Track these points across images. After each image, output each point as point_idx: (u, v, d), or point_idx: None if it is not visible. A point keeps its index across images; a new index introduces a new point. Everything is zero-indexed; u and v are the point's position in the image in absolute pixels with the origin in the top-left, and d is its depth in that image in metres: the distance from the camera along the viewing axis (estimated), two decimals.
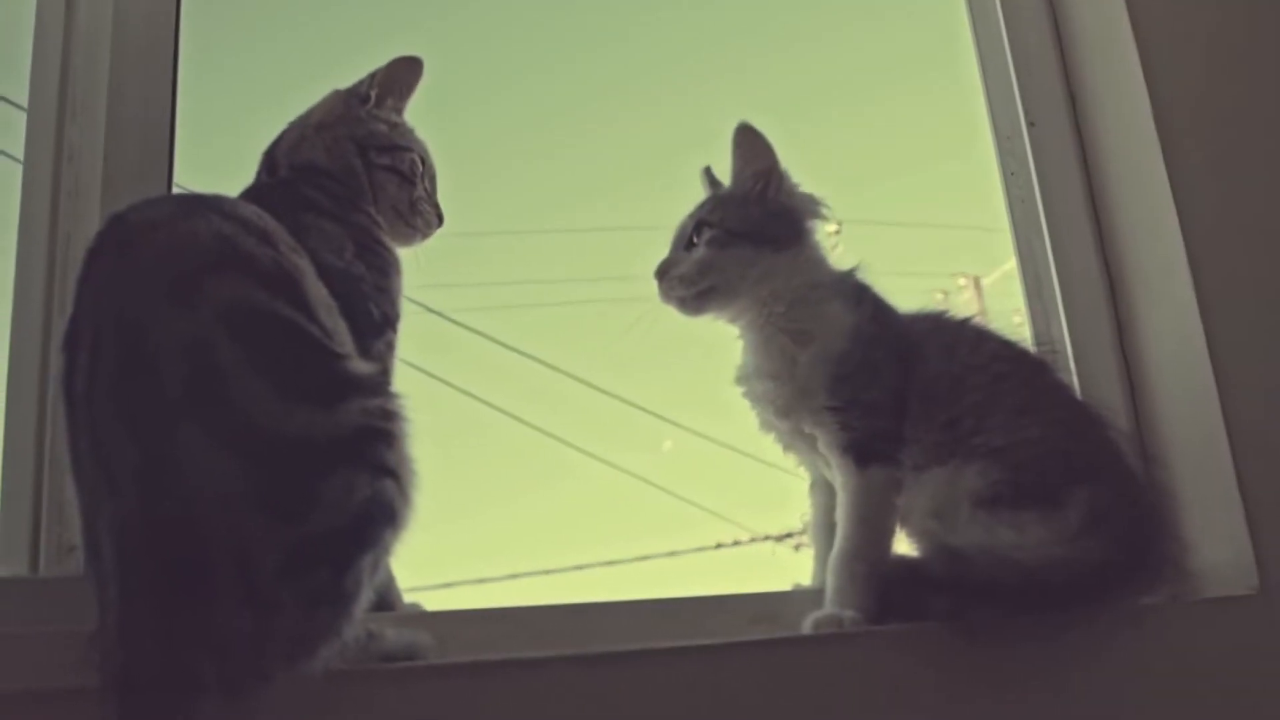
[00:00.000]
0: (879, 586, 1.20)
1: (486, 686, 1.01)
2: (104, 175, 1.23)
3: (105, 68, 1.27)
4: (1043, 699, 1.19)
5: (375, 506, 0.91)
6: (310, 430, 0.90)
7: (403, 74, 1.29)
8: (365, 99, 1.27)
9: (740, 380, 1.36)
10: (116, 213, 1.01)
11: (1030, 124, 1.67)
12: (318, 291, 1.00)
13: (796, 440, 1.34)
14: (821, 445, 1.29)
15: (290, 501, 0.87)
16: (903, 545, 1.28)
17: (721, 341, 1.40)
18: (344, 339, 1.00)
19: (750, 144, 1.38)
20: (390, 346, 1.14)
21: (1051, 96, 1.69)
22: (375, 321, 1.11)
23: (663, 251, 1.39)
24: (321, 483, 0.88)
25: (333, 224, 1.13)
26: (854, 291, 1.35)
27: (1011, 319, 1.62)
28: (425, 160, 1.29)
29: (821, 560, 1.33)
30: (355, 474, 0.90)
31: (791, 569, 1.41)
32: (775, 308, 1.33)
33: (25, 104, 1.28)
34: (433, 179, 1.31)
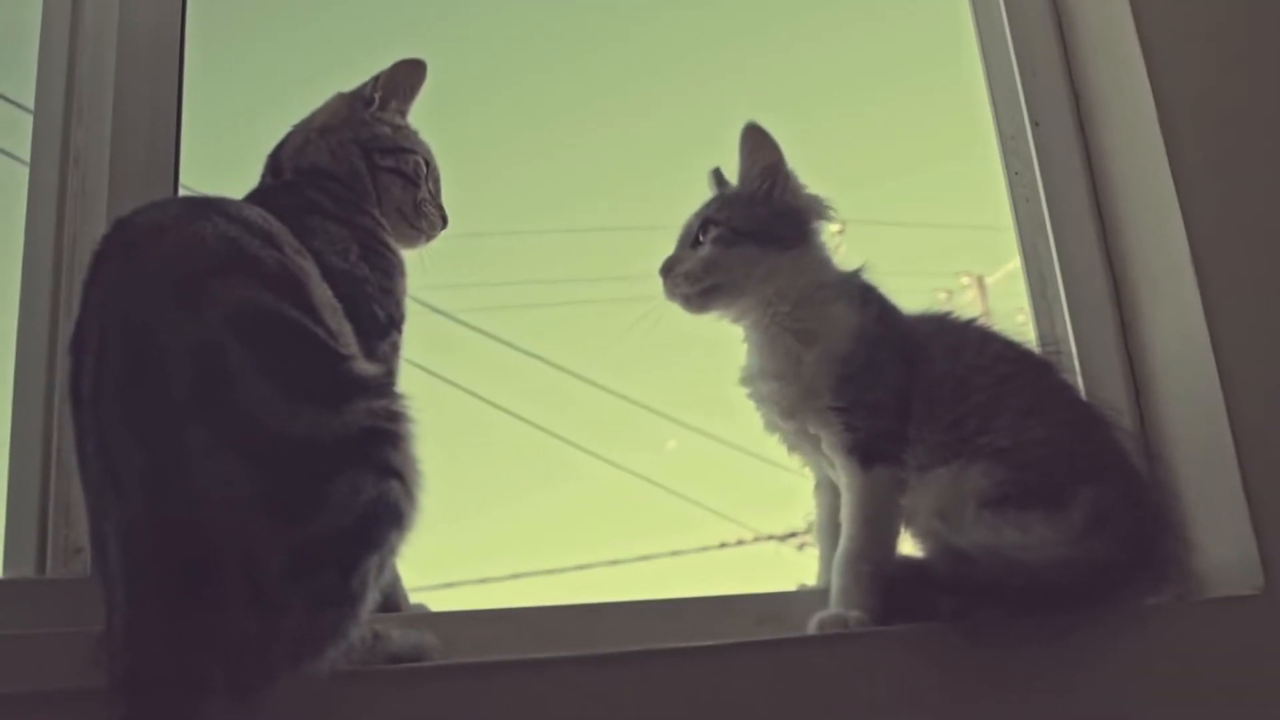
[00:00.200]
0: (884, 587, 1.20)
1: (492, 687, 1.01)
2: (110, 178, 1.24)
3: (111, 71, 1.27)
4: (1047, 699, 1.19)
5: (381, 507, 0.91)
6: (316, 431, 0.90)
7: (406, 77, 1.29)
8: (369, 102, 1.27)
9: (745, 381, 1.37)
10: (122, 216, 1.01)
11: (1034, 124, 1.67)
12: (323, 293, 1.00)
13: (801, 441, 1.34)
14: (825, 446, 1.29)
15: (296, 503, 0.88)
16: (907, 545, 1.28)
17: (725, 341, 1.40)
18: (349, 340, 1.00)
19: (757, 143, 1.38)
20: (395, 348, 1.15)
21: (1056, 97, 1.69)
22: (380, 323, 1.11)
23: (666, 251, 1.39)
24: (327, 484, 0.89)
25: (337, 226, 1.14)
26: (859, 292, 1.35)
27: (1015, 318, 1.62)
28: (429, 162, 1.29)
29: (826, 560, 1.33)
30: (361, 475, 0.90)
31: (795, 569, 1.41)
32: (780, 307, 1.33)
33: (32, 107, 1.28)
34: (436, 181, 1.31)
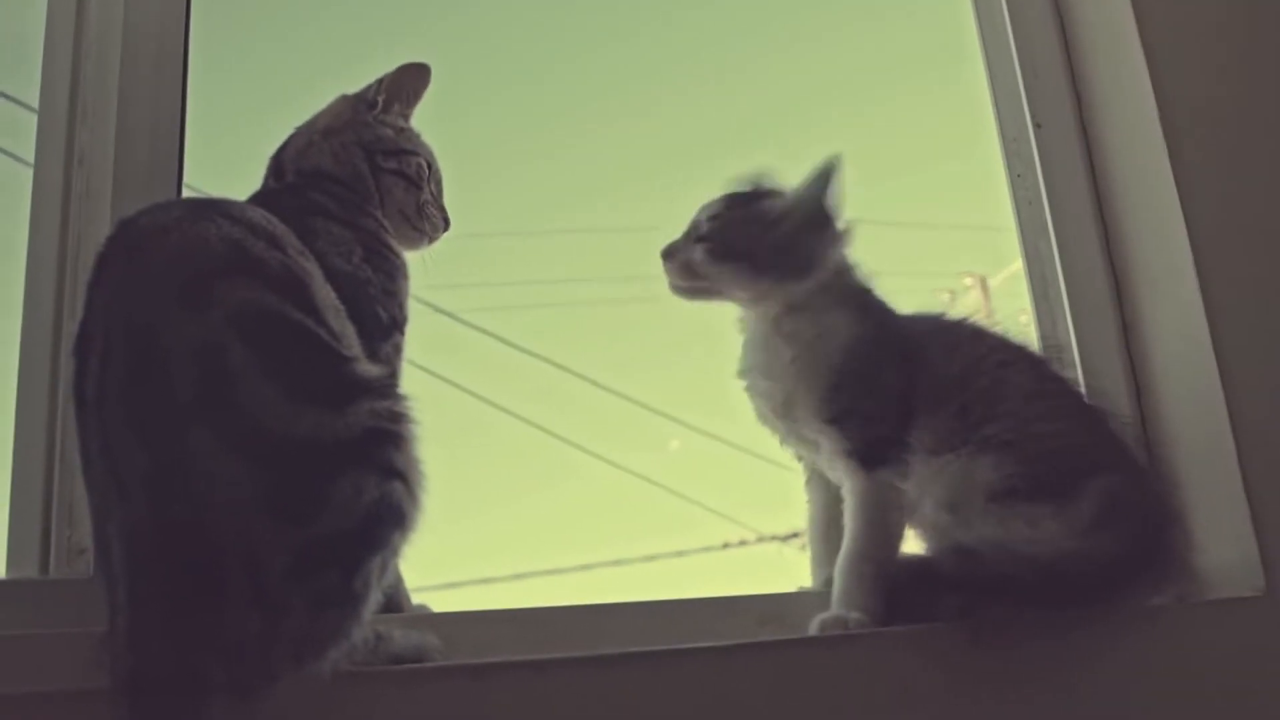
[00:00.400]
0: (886, 588, 1.20)
1: (494, 688, 1.02)
2: (114, 179, 1.24)
3: (115, 72, 1.27)
4: (1049, 700, 1.19)
5: (383, 508, 0.91)
6: (319, 433, 0.90)
7: (410, 80, 1.29)
8: (372, 104, 1.27)
9: (741, 373, 1.37)
10: (126, 218, 1.02)
11: (1037, 126, 1.67)
12: (326, 295, 1.01)
13: (794, 436, 1.34)
14: (824, 451, 1.29)
15: (299, 504, 0.88)
16: (911, 545, 1.28)
17: (728, 341, 1.40)
18: (352, 342, 1.01)
19: (825, 183, 1.34)
20: (398, 349, 1.15)
21: (1058, 98, 1.69)
22: (383, 324, 1.12)
23: None
24: (330, 485, 0.89)
25: (340, 228, 1.14)
26: (859, 303, 1.34)
27: (1018, 319, 1.62)
28: (431, 164, 1.30)
29: (819, 561, 1.33)
30: (364, 476, 0.90)
31: (797, 569, 1.41)
32: (772, 309, 1.33)
33: (36, 107, 1.29)
34: (439, 183, 1.31)
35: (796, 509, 1.42)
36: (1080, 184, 1.66)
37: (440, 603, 1.20)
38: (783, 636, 1.23)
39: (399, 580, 1.14)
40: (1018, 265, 1.69)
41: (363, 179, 1.23)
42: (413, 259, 1.26)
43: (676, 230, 1.40)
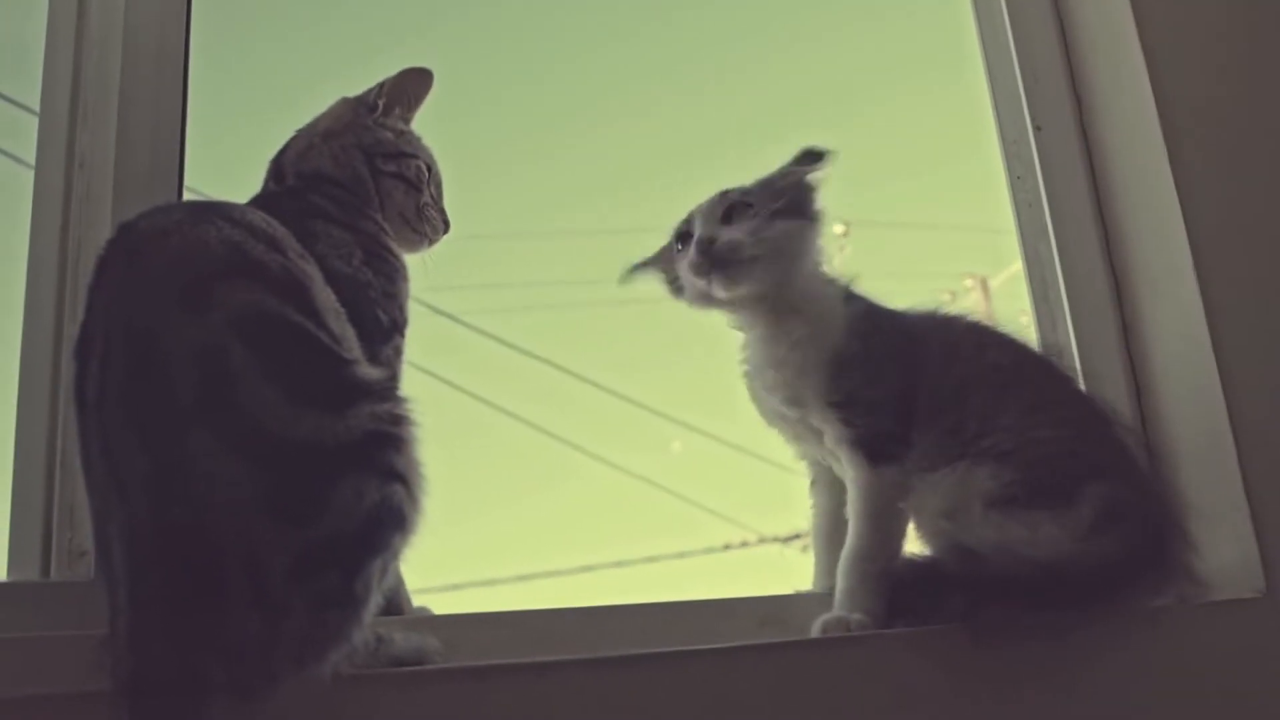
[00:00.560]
0: (888, 588, 1.20)
1: (494, 691, 1.02)
2: (115, 182, 1.24)
3: (116, 74, 1.28)
4: (1049, 702, 1.19)
5: (384, 511, 0.91)
6: (320, 435, 0.90)
7: (412, 85, 1.29)
8: (373, 108, 1.27)
9: (749, 374, 1.37)
10: (126, 221, 1.02)
11: (1037, 128, 1.67)
12: (326, 298, 1.01)
13: (804, 432, 1.33)
14: (828, 440, 1.29)
15: (300, 505, 0.88)
16: (913, 546, 1.28)
17: (729, 343, 1.40)
18: (352, 345, 1.01)
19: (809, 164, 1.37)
20: (398, 352, 1.15)
21: (1057, 101, 1.69)
22: (383, 327, 1.12)
23: None
24: (331, 487, 0.89)
25: (340, 231, 1.14)
26: (844, 293, 1.35)
27: (1019, 320, 1.62)
28: (432, 167, 1.30)
29: (821, 564, 1.33)
30: (364, 479, 0.90)
31: (799, 570, 1.41)
32: (779, 292, 1.33)
33: (37, 109, 1.29)
34: (439, 186, 1.32)
35: (797, 510, 1.42)
36: (1080, 186, 1.66)
37: (442, 604, 1.20)
38: (784, 638, 1.23)
39: (400, 583, 1.14)
40: (1018, 266, 1.69)
41: (362, 182, 1.23)
42: (413, 261, 1.26)
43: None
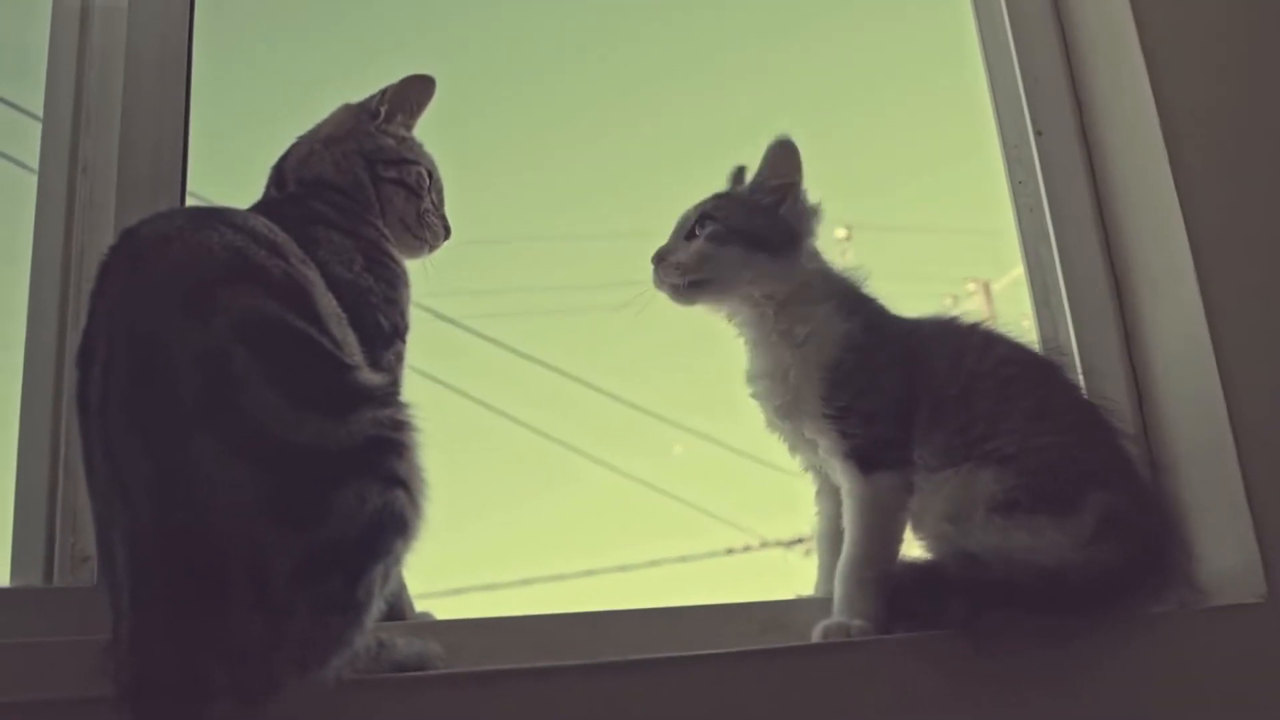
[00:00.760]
0: (887, 593, 1.20)
1: (496, 696, 1.02)
2: (118, 187, 1.24)
3: (119, 81, 1.28)
4: (1050, 707, 1.19)
5: (386, 516, 0.92)
6: (322, 440, 0.90)
7: (414, 92, 1.30)
8: (375, 114, 1.27)
9: (748, 380, 1.37)
10: (129, 227, 1.02)
11: (1037, 133, 1.67)
12: (328, 303, 1.01)
13: (800, 442, 1.34)
14: (823, 451, 1.29)
15: (302, 510, 0.88)
16: (913, 550, 1.28)
17: (731, 345, 1.40)
18: (354, 350, 1.01)
19: (783, 158, 1.38)
20: (399, 357, 1.15)
21: (1058, 105, 1.69)
22: (385, 332, 1.12)
23: None
24: (333, 492, 0.89)
25: (341, 236, 1.14)
26: (850, 300, 1.35)
27: (1022, 324, 1.62)
28: (432, 174, 1.30)
29: (825, 570, 1.33)
30: (366, 484, 0.91)
31: (801, 574, 1.41)
32: (767, 309, 1.33)
33: (40, 114, 1.29)
34: (440, 192, 1.32)
35: (800, 514, 1.42)
36: (1081, 190, 1.66)
37: (444, 609, 1.20)
38: (785, 644, 1.23)
39: (402, 588, 1.14)
40: (1020, 270, 1.69)
41: (363, 188, 1.23)
42: (414, 266, 1.27)
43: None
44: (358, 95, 1.30)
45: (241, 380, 0.89)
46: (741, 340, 1.39)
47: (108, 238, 1.13)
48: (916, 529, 1.27)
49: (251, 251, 0.98)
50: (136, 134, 1.27)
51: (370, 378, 0.98)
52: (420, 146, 1.31)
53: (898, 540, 1.26)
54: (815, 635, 1.19)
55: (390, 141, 1.27)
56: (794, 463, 1.39)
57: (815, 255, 1.38)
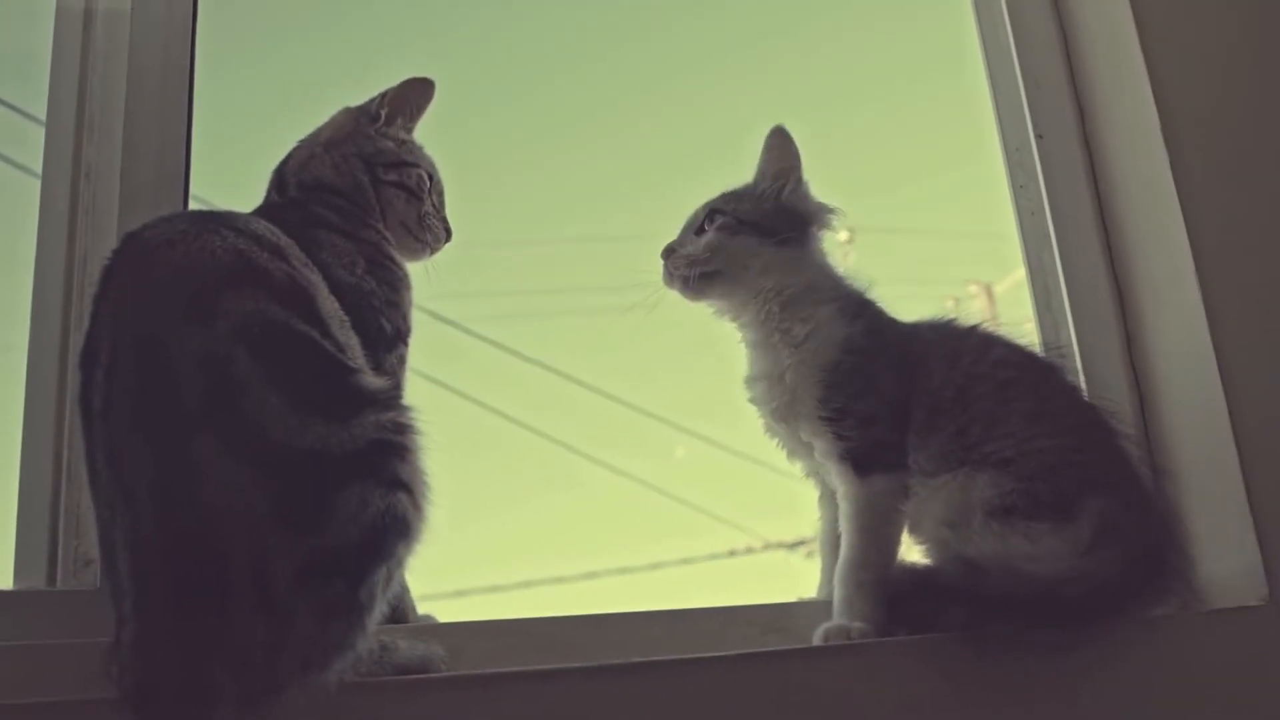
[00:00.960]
0: (887, 596, 1.20)
1: (498, 699, 1.02)
2: (120, 191, 1.25)
3: (122, 85, 1.28)
4: (1051, 711, 1.19)
5: (389, 520, 0.92)
6: (325, 443, 0.91)
7: (414, 95, 1.30)
8: (375, 118, 1.28)
9: (746, 384, 1.37)
10: (131, 231, 1.03)
11: (1039, 137, 1.67)
12: (330, 306, 1.01)
13: (797, 445, 1.34)
14: (818, 453, 1.29)
15: (305, 513, 0.88)
16: (912, 554, 1.28)
17: (733, 347, 1.41)
18: (356, 353, 1.01)
19: (780, 147, 1.40)
20: (402, 360, 1.15)
21: (1060, 109, 1.69)
22: (387, 336, 1.12)
23: None
24: (336, 495, 0.89)
25: (343, 240, 1.15)
26: (852, 303, 1.35)
27: (1024, 326, 1.61)
28: (433, 176, 1.30)
29: (828, 573, 1.33)
30: (369, 488, 0.91)
31: (803, 576, 1.41)
32: (772, 306, 1.33)
33: (43, 119, 1.29)
34: (440, 195, 1.32)
35: (802, 516, 1.42)
36: (1082, 194, 1.66)
37: (447, 612, 1.20)
38: (786, 646, 1.23)
39: (404, 590, 1.14)
40: (1023, 272, 1.69)
41: (364, 191, 1.23)
42: (416, 269, 1.27)
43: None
44: (358, 98, 1.30)
45: (244, 383, 0.89)
46: (742, 344, 1.39)
47: (110, 241, 1.13)
48: (916, 533, 1.27)
49: (254, 255, 0.98)
50: (139, 138, 1.27)
51: (372, 381, 0.99)
52: (420, 149, 1.31)
53: (895, 543, 1.25)
54: (816, 638, 1.19)
55: (390, 144, 1.27)
56: (795, 466, 1.40)
57: (824, 254, 1.39)
